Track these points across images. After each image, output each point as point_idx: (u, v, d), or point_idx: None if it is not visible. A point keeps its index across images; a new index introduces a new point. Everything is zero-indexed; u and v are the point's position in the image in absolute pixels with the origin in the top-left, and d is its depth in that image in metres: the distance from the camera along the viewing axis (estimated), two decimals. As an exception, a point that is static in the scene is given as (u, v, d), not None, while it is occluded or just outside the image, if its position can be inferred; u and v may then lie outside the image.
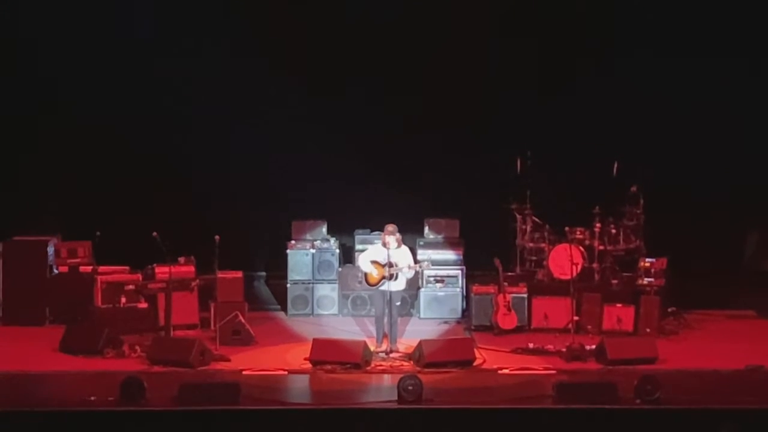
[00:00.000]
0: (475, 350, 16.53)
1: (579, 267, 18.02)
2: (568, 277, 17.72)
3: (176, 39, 19.31)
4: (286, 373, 15.88)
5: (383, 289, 16.78)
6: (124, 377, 14.40)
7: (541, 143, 18.97)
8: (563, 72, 19.40)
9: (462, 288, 19.12)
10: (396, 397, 14.32)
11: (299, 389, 15.49)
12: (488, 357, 16.52)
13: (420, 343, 16.24)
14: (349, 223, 19.67)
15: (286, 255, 19.38)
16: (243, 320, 17.41)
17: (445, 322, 18.86)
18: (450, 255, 19.34)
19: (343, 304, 19.23)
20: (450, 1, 19.44)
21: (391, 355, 16.48)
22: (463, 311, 19.06)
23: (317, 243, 19.44)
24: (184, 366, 15.79)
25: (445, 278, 19.12)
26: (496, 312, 18.18)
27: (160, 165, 19.48)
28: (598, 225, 18.62)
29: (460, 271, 19.21)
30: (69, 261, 18.82)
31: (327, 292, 19.33)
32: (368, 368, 16.00)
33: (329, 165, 19.35)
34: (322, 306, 19.30)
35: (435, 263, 18.87)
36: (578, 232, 18.62)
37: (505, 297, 18.16)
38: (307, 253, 19.38)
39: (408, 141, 19.65)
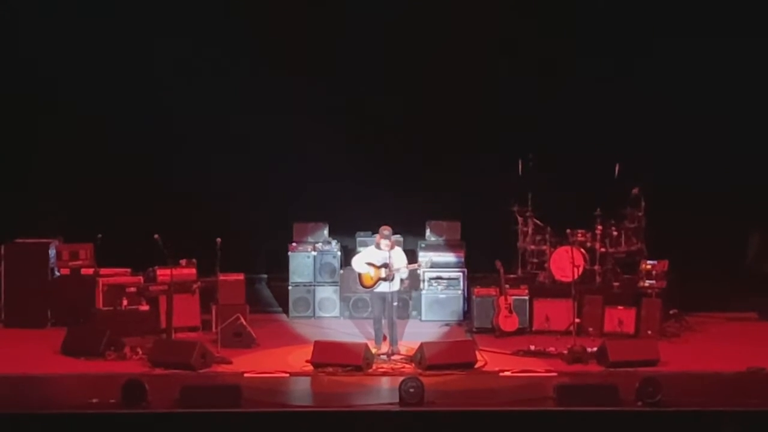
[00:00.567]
0: (477, 352, 16.54)
1: (580, 269, 18.00)
2: (570, 279, 17.72)
3: (177, 39, 19.29)
4: (287, 375, 15.88)
5: (378, 291, 16.80)
6: (126, 379, 14.40)
7: (543, 145, 18.97)
8: (564, 74, 19.40)
9: (463, 290, 19.13)
10: (397, 400, 14.32)
11: (301, 391, 15.48)
12: (489, 359, 16.51)
13: (421, 346, 16.24)
14: (351, 225, 19.68)
15: (287, 257, 19.39)
16: (244, 322, 17.41)
17: (447, 325, 18.86)
18: (451, 257, 19.34)
19: (344, 306, 19.23)
20: (451, 1, 19.43)
21: (393, 358, 16.49)
22: (465, 313, 19.06)
23: (319, 245, 19.45)
24: (186, 368, 15.79)
25: (446, 279, 19.13)
26: (497, 314, 18.18)
27: (162, 167, 19.47)
28: (599, 227, 18.62)
29: (461, 274, 19.22)
30: (71, 263, 18.83)
31: (328, 295, 19.33)
32: (370, 370, 16.00)
33: (330, 167, 19.34)
34: (324, 308, 19.30)
35: (436, 265, 18.91)
36: (580, 235, 18.62)
37: (506, 299, 18.16)
38: (309, 256, 19.39)
39: (409, 143, 19.67)
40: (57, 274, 18.80)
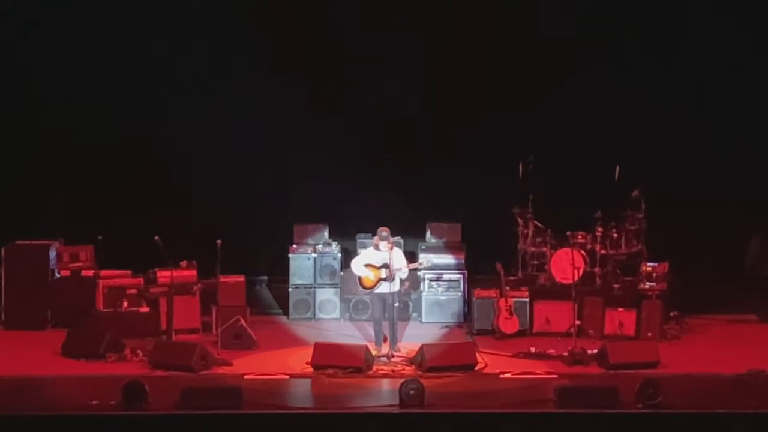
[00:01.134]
0: (477, 354, 16.54)
1: (581, 271, 18.01)
2: (570, 281, 17.72)
3: (178, 40, 19.31)
4: (287, 377, 15.88)
5: (378, 292, 16.80)
6: (126, 381, 14.40)
7: (543, 147, 18.96)
8: (564, 75, 19.39)
9: (464, 292, 19.12)
10: (398, 402, 14.32)
11: (301, 393, 15.49)
12: (490, 361, 16.51)
13: (422, 347, 16.24)
14: (351, 227, 19.67)
15: (287, 259, 19.39)
16: (245, 324, 17.41)
17: (447, 326, 18.86)
18: (452, 259, 19.33)
19: (344, 308, 19.23)
20: (452, 4, 19.44)
21: (393, 359, 16.49)
22: (465, 315, 19.06)
23: (319, 247, 19.44)
24: (186, 370, 15.79)
25: (446, 281, 19.13)
26: (497, 316, 18.18)
27: (162, 169, 19.47)
28: (599, 229, 18.62)
29: (461, 275, 19.21)
30: (71, 265, 18.83)
31: (329, 296, 19.33)
32: (370, 372, 16.01)
33: (331, 169, 19.32)
34: (324, 310, 19.30)
35: (437, 267, 18.91)
36: (580, 236, 18.62)
37: (506, 301, 18.16)
38: (309, 257, 19.39)
39: (410, 144, 19.67)
40: (57, 275, 18.80)
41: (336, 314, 19.28)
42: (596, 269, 18.66)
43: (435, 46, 19.44)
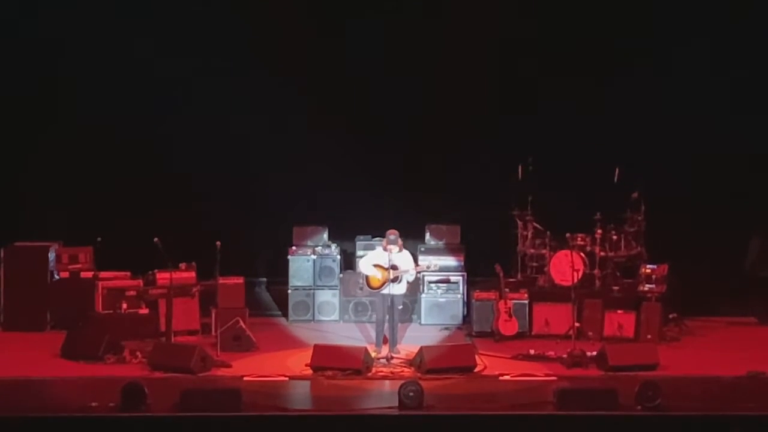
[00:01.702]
0: (476, 356, 16.53)
1: (580, 273, 18.01)
2: (569, 283, 17.72)
3: (178, 41, 19.30)
4: (287, 379, 15.88)
5: (385, 292, 16.81)
6: (125, 383, 14.37)
7: (543, 149, 18.96)
8: (564, 76, 19.39)
9: (463, 294, 19.12)
10: (397, 404, 14.31)
11: (300, 395, 15.49)
12: (489, 363, 16.51)
13: (421, 350, 16.24)
14: (351, 228, 19.68)
15: (287, 261, 19.39)
16: (244, 326, 17.40)
17: (446, 329, 18.85)
18: (451, 261, 19.33)
19: (344, 310, 19.23)
20: (452, 4, 19.44)
21: (392, 362, 16.48)
22: (464, 317, 19.06)
23: (318, 249, 19.43)
24: (185, 372, 15.79)
25: (445, 283, 19.13)
26: (497, 318, 18.17)
27: (162, 170, 19.45)
28: (599, 231, 18.62)
29: (461, 277, 19.21)
30: (70, 266, 18.81)
31: (328, 298, 19.32)
32: (369, 374, 16.00)
33: (330, 171, 19.33)
34: (323, 312, 19.30)
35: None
36: (579, 239, 18.61)
37: (506, 303, 18.15)
38: (309, 259, 19.38)
39: (409, 146, 19.67)
40: (56, 277, 18.79)
41: (335, 316, 19.28)
42: (596, 271, 18.65)
43: (435, 46, 19.43)
